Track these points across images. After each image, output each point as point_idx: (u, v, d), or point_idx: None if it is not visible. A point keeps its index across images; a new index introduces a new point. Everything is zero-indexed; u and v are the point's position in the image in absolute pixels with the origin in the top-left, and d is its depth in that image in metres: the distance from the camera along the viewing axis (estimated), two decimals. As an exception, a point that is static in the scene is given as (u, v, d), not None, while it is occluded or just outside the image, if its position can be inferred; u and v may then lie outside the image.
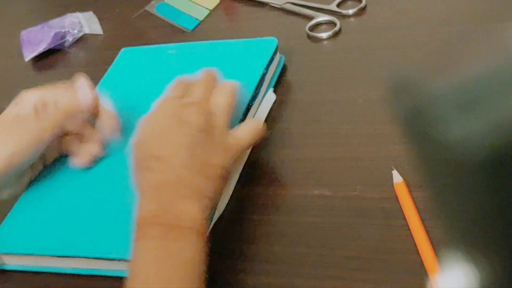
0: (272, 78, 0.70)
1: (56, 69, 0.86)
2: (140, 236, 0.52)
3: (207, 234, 0.54)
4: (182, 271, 0.50)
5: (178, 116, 0.57)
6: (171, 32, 0.84)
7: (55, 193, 0.64)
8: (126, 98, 0.69)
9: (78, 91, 0.63)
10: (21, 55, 0.88)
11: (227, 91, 0.61)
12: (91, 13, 0.91)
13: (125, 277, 0.50)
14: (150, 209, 0.53)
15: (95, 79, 0.70)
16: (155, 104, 0.60)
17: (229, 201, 0.60)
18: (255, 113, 0.67)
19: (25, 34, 0.89)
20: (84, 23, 0.89)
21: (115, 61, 0.77)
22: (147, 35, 0.86)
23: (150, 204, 0.53)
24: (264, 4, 0.83)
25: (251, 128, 0.60)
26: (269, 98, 0.67)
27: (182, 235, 0.51)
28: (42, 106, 0.62)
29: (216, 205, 0.57)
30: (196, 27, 0.84)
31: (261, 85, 0.68)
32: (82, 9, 0.92)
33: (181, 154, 0.55)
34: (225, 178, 0.56)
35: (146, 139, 0.57)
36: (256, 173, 0.63)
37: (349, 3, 0.78)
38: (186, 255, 0.51)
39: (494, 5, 0.70)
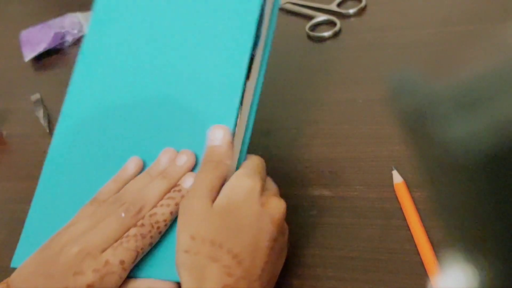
0: (269, 27, 0.59)
1: (56, 69, 0.86)
2: None
3: None
4: None
5: (264, 208, 0.49)
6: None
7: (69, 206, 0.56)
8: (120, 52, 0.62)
9: None
10: (21, 55, 0.88)
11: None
12: (91, 13, 0.91)
13: None
14: None
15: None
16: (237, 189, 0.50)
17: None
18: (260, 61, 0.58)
19: (25, 34, 0.89)
20: (84, 23, 0.89)
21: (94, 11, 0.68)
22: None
23: None
24: (264, 4, 0.83)
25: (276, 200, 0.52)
26: None
27: None
28: None
29: None
30: (196, 27, 0.83)
31: (260, 33, 0.58)
32: (82, 9, 0.92)
33: (258, 261, 0.47)
34: None
35: (223, 227, 0.48)
36: (256, 173, 0.63)
37: (349, 3, 0.78)
38: None
39: (494, 5, 0.70)
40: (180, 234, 0.47)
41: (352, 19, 0.76)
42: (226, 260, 0.46)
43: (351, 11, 0.76)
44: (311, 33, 0.75)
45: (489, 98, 0.20)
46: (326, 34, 0.75)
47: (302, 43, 0.75)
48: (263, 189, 0.51)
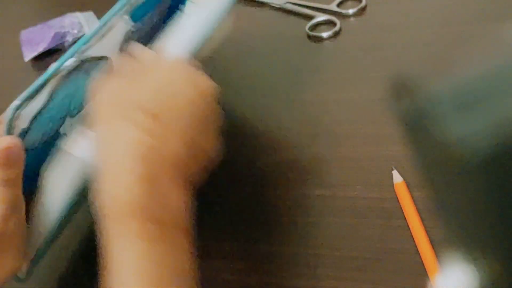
0: None
1: (56, 69, 0.86)
2: (122, 231, 0.41)
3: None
4: (181, 282, 0.42)
5: (192, 79, 0.48)
6: (171, 32, 0.84)
7: None
8: None
9: None
10: (21, 55, 0.88)
11: None
12: (91, 13, 0.91)
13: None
14: (138, 194, 0.42)
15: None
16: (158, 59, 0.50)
17: (229, 201, 0.60)
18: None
19: (25, 34, 0.89)
20: (84, 23, 0.89)
21: None
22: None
23: (139, 186, 0.42)
24: (264, 4, 0.83)
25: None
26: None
27: (173, 235, 0.43)
28: None
29: None
30: (196, 27, 0.83)
31: None
32: (82, 9, 0.92)
33: (184, 126, 0.45)
34: (209, 166, 0.48)
35: (134, 85, 0.46)
36: (256, 174, 0.63)
37: (349, 3, 0.78)
38: (183, 264, 0.43)
39: (494, 5, 0.70)
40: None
41: (352, 19, 0.76)
42: (142, 120, 0.44)
43: (351, 11, 0.76)
44: (311, 33, 0.75)
45: (489, 98, 0.20)
46: (326, 34, 0.75)
47: (302, 43, 0.75)
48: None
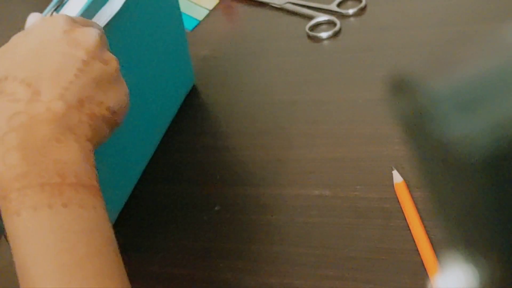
0: None
1: (56, 69, 0.86)
2: (12, 208, 0.38)
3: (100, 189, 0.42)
4: (92, 248, 0.38)
5: (68, 34, 0.45)
6: (171, 32, 0.84)
7: None
8: None
9: None
10: (21, 55, 0.87)
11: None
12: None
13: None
14: (13, 164, 0.38)
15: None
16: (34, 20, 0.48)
17: (229, 201, 0.60)
18: None
19: (25, 34, 0.89)
20: (84, 23, 0.89)
21: None
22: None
23: (11, 156, 0.38)
24: (264, 4, 0.83)
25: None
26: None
27: (73, 195, 0.38)
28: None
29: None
30: (195, 27, 0.84)
31: None
32: (82, 9, 0.92)
33: (60, 81, 0.42)
34: (112, 121, 0.45)
35: (6, 54, 0.45)
36: (256, 174, 0.63)
37: (349, 3, 0.78)
38: (90, 224, 0.39)
39: (494, 5, 0.70)
40: None
41: (352, 19, 0.76)
42: (11, 88, 0.41)
43: (351, 11, 0.76)
44: (311, 33, 0.75)
45: (489, 98, 0.20)
46: (326, 34, 0.75)
47: (302, 43, 0.75)
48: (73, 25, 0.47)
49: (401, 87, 0.22)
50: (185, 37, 0.72)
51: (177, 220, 0.61)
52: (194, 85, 0.74)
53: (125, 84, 0.47)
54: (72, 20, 0.47)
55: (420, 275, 0.50)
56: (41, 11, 0.55)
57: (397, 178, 0.56)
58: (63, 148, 0.39)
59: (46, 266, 0.37)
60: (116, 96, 0.45)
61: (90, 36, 0.46)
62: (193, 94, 0.73)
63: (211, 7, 0.86)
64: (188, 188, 0.64)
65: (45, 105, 0.40)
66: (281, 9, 0.81)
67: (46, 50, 0.44)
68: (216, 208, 0.61)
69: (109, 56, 0.46)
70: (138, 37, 0.63)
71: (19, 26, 0.51)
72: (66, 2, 0.56)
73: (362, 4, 0.76)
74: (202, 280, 0.56)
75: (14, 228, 0.38)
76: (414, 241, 0.52)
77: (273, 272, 0.55)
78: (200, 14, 0.85)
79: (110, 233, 0.40)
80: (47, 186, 0.38)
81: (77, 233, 0.38)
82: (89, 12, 0.55)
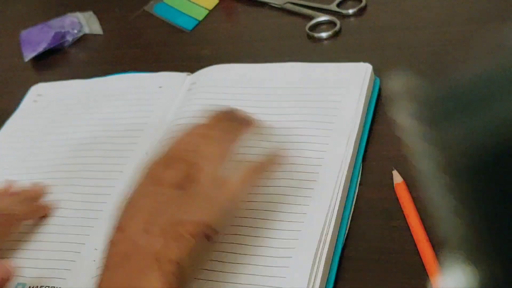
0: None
1: (56, 69, 0.86)
2: None
3: None
4: None
5: (152, 176, 0.49)
6: (170, 32, 0.84)
7: None
8: None
9: None
10: (21, 55, 0.87)
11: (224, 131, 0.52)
12: (91, 13, 0.91)
13: None
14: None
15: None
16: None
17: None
18: None
19: (25, 34, 0.89)
20: (84, 23, 0.89)
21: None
22: (146, 35, 0.86)
23: (115, 284, 0.44)
24: (264, 4, 0.83)
25: (246, 169, 0.51)
26: None
27: None
28: None
29: (196, 270, 0.48)
30: (195, 27, 0.83)
31: None
32: (82, 9, 0.92)
33: (141, 219, 0.46)
34: (207, 236, 0.45)
35: (121, 207, 0.49)
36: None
37: (349, 3, 0.78)
38: None
39: (494, 5, 0.70)
40: None
41: (352, 19, 0.76)
42: (115, 236, 0.46)
43: (351, 11, 0.76)
44: (311, 33, 0.75)
45: (489, 98, 0.20)
46: (326, 34, 0.75)
47: (302, 43, 0.75)
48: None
49: (401, 88, 0.22)
50: None
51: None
52: (194, 85, 0.74)
53: None
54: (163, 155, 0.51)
55: (420, 276, 0.50)
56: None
57: (397, 178, 0.56)
58: (146, 276, 0.43)
59: None
60: (210, 209, 0.47)
61: (171, 170, 0.49)
62: (193, 94, 0.73)
63: (211, 7, 0.86)
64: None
65: (131, 242, 0.45)
66: (281, 9, 0.81)
67: (137, 195, 0.48)
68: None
69: (197, 175, 0.48)
70: None
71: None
72: None
73: (362, 4, 0.76)
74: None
75: None
76: (414, 242, 0.52)
77: (273, 272, 0.55)
78: (199, 14, 0.85)
79: None
80: None
81: None
82: None
